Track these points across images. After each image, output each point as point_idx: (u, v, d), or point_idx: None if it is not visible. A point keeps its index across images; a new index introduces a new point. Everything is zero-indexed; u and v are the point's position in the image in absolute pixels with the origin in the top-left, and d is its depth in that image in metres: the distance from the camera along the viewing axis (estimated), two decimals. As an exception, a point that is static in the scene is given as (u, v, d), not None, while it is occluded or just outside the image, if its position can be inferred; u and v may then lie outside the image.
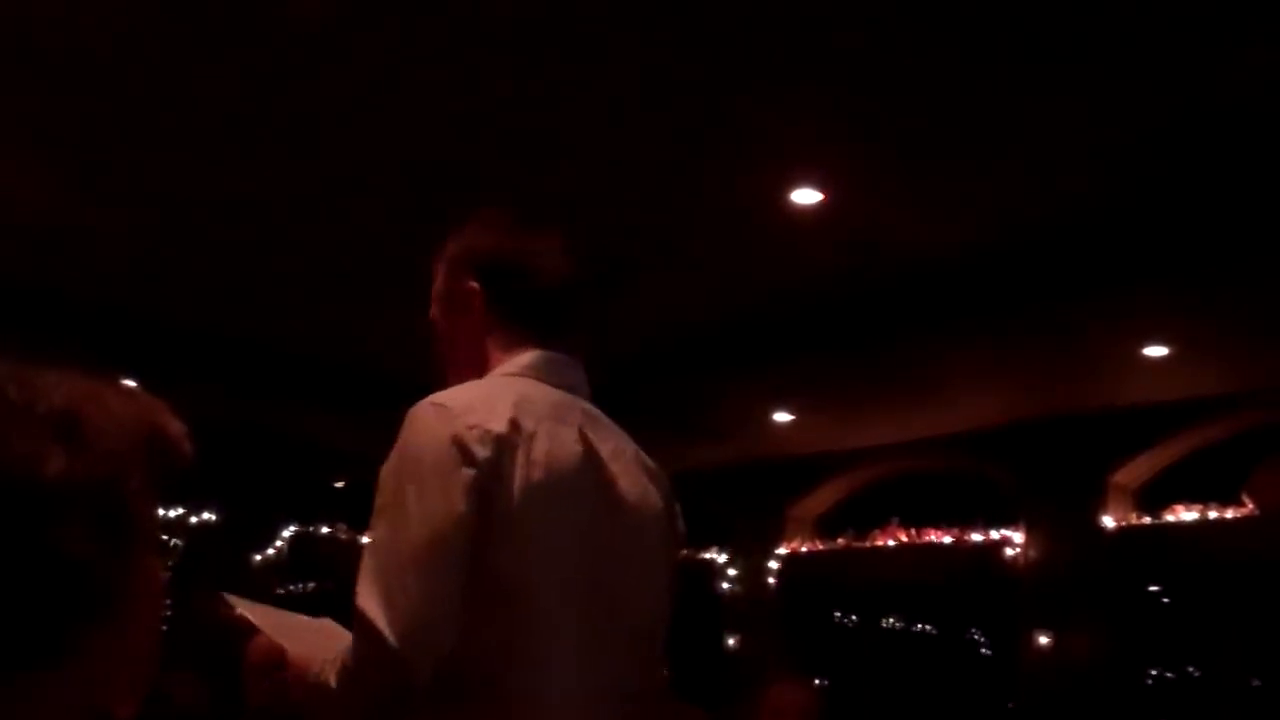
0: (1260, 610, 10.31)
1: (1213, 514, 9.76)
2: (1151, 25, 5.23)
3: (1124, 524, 10.25)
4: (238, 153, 6.91)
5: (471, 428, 2.06)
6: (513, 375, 2.27)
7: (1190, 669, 11.87)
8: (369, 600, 1.99)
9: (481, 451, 2.04)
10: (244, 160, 6.99)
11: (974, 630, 14.97)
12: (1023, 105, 5.95)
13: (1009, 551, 10.84)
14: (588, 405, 2.32)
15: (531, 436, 2.12)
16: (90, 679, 0.95)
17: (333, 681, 2.05)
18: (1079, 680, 9.87)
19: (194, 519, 11.93)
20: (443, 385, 2.26)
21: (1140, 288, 7.61)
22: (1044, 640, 10.20)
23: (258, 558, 12.74)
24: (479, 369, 2.34)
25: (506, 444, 2.07)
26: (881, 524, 11.71)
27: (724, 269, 7.98)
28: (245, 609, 2.53)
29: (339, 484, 14.37)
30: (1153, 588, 11.21)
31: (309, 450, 12.85)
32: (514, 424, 2.10)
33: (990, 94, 5.86)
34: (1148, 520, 10.18)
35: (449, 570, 1.99)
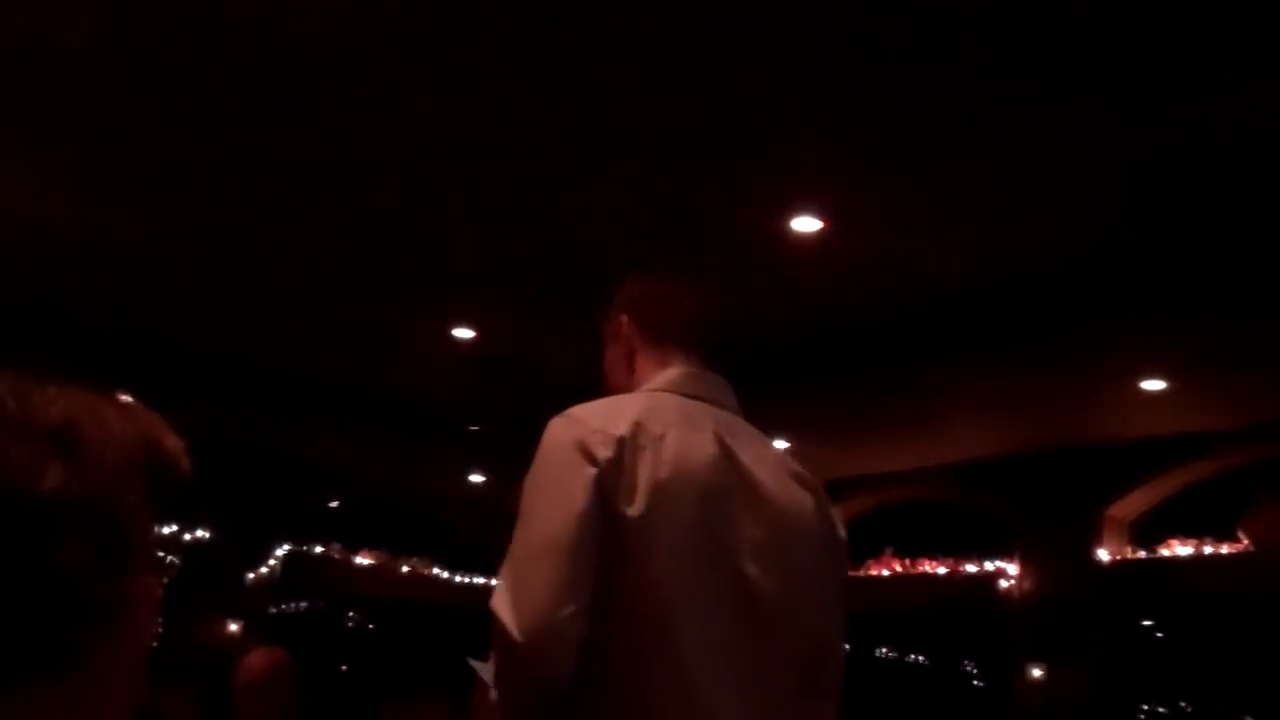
0: (1254, 646, 10.31)
1: (1208, 549, 9.76)
2: (1147, 63, 5.25)
3: (1119, 557, 10.24)
4: (238, 170, 6.92)
5: (595, 432, 2.11)
6: (653, 390, 2.35)
7: (1183, 704, 11.85)
8: (498, 601, 2.04)
9: (603, 452, 2.08)
10: (244, 177, 7.00)
11: (967, 661, 14.97)
12: (1021, 139, 5.96)
13: (1003, 583, 10.84)
14: (728, 415, 2.35)
15: (659, 439, 2.14)
16: (85, 695, 0.95)
17: (493, 693, 2.11)
18: (1072, 713, 9.84)
19: (187, 536, 11.90)
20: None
21: (1137, 322, 7.62)
22: (1037, 672, 10.18)
23: (251, 576, 12.71)
24: (632, 388, 2.44)
25: (629, 445, 2.11)
26: (876, 553, 11.71)
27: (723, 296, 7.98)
28: (483, 671, 2.63)
29: (333, 503, 14.36)
30: (1147, 622, 11.21)
31: (304, 469, 12.85)
32: (638, 426, 2.14)
33: (989, 128, 5.88)
34: (1143, 554, 10.18)
35: (573, 566, 2.01)
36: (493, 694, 2.15)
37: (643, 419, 2.16)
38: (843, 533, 2.40)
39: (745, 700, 2.09)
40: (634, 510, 2.06)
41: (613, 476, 2.07)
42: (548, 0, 5.18)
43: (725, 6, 5.12)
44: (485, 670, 2.66)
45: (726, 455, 2.22)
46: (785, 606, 2.18)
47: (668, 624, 2.05)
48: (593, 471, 2.06)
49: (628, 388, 2.43)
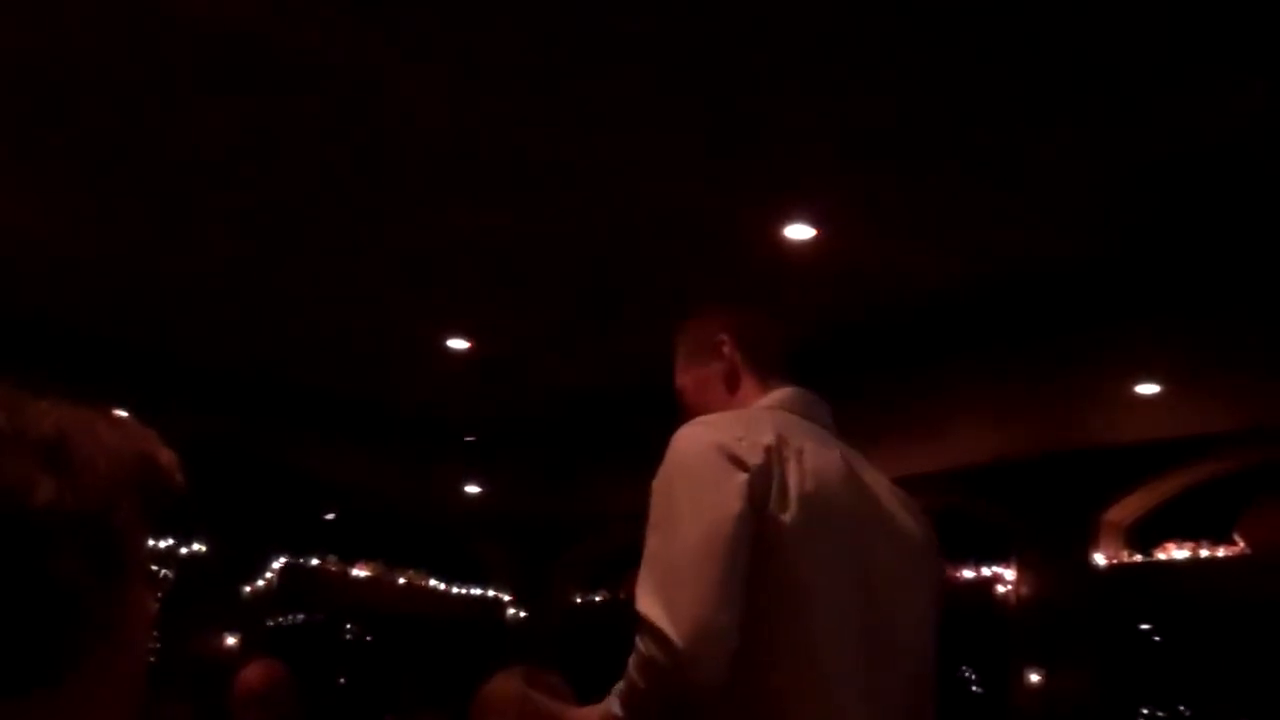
0: (1252, 649, 10.30)
1: (1204, 552, 9.75)
2: (1143, 67, 5.26)
3: (1115, 562, 10.24)
4: (235, 183, 6.92)
5: (739, 439, 2.12)
6: (770, 408, 2.36)
7: (1181, 708, 11.84)
8: (650, 605, 1.99)
9: (753, 458, 2.09)
10: (241, 191, 7.00)
11: (965, 667, 14.93)
12: (1016, 144, 5.97)
13: (1000, 588, 10.83)
14: (835, 438, 2.38)
15: (800, 451, 2.16)
16: (81, 707, 0.95)
17: (618, 708, 2.05)
18: (1070, 718, 9.83)
19: (184, 550, 11.88)
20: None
21: (1132, 325, 7.62)
22: (1035, 678, 10.17)
23: (247, 589, 12.68)
24: (734, 407, 2.44)
25: (776, 454, 2.12)
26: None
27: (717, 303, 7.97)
28: (538, 700, 2.64)
29: (330, 516, 14.33)
30: (1144, 626, 11.20)
31: (299, 481, 12.83)
32: (781, 438, 2.15)
33: (984, 133, 5.89)
34: (1139, 558, 10.17)
35: (729, 569, 1.99)
36: (603, 709, 2.11)
37: (782, 431, 2.17)
38: (944, 562, 2.49)
39: (871, 716, 2.11)
40: (788, 517, 2.06)
41: (764, 482, 2.07)
42: (545, 9, 5.18)
43: (720, 14, 5.12)
44: (541, 700, 2.63)
45: (855, 477, 2.25)
46: (905, 628, 2.22)
47: (809, 636, 2.06)
48: (744, 476, 2.06)
49: (724, 406, 2.44)
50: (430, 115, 6.09)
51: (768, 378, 2.47)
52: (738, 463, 2.07)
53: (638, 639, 1.99)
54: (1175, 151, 5.89)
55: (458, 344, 9.22)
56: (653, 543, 2.08)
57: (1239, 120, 5.62)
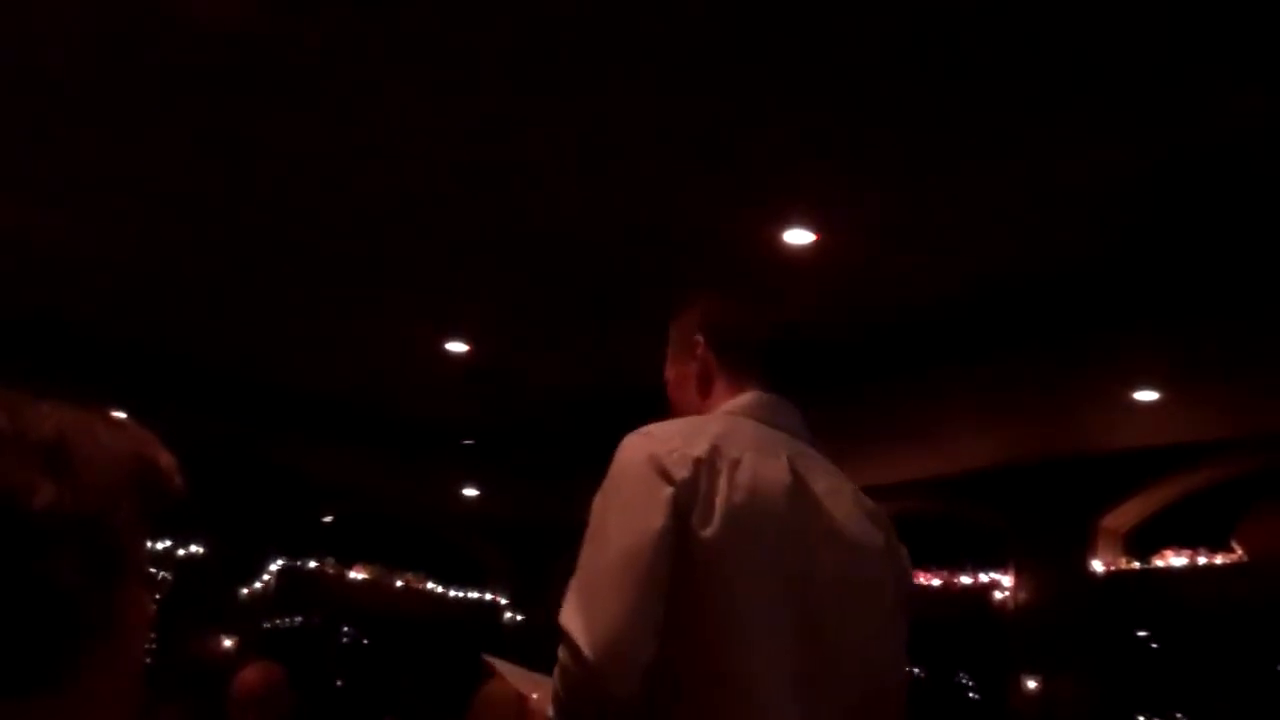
0: (1249, 656, 10.30)
1: (1202, 559, 9.75)
2: (1144, 75, 5.27)
3: (1113, 568, 10.24)
4: (234, 185, 6.92)
5: (671, 451, 2.10)
6: (729, 413, 2.34)
7: (1178, 715, 11.83)
8: (569, 616, 2.01)
9: (680, 472, 2.07)
10: (244, 193, 7.00)
11: (962, 673, 14.93)
12: (1014, 151, 5.97)
13: (998, 595, 10.83)
14: (801, 445, 2.34)
15: (735, 463, 2.14)
16: (80, 708, 0.95)
17: (550, 710, 2.08)
18: (1067, 725, 9.83)
19: (182, 551, 11.89)
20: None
21: (1130, 332, 7.62)
22: (1032, 684, 10.17)
23: (245, 591, 12.69)
24: (705, 410, 2.43)
25: (706, 467, 2.10)
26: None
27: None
28: (499, 665, 2.66)
29: (327, 518, 14.34)
30: (1141, 633, 11.19)
31: (297, 484, 12.84)
32: (715, 449, 2.13)
33: (983, 139, 5.89)
34: (1137, 565, 10.18)
35: (647, 585, 2.00)
36: (548, 711, 2.13)
37: (720, 442, 2.15)
38: (910, 570, 2.42)
39: None
40: (709, 532, 2.05)
41: (689, 497, 2.06)
42: (545, 11, 5.19)
43: (721, 19, 5.13)
44: (514, 673, 2.66)
45: (799, 485, 2.21)
46: (852, 640, 2.17)
47: (735, 650, 2.04)
48: (669, 491, 2.05)
49: (699, 409, 2.43)
50: (427, 118, 6.10)
51: (742, 379, 2.44)
52: (665, 476, 2.07)
53: (559, 649, 2.03)
54: (1173, 158, 5.90)
55: (456, 347, 9.23)
56: (583, 554, 2.10)
57: (1236, 126, 5.62)
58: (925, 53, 5.26)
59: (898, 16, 5.04)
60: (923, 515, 11.75)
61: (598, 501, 2.14)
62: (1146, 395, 8.64)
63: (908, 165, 6.19)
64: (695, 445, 2.12)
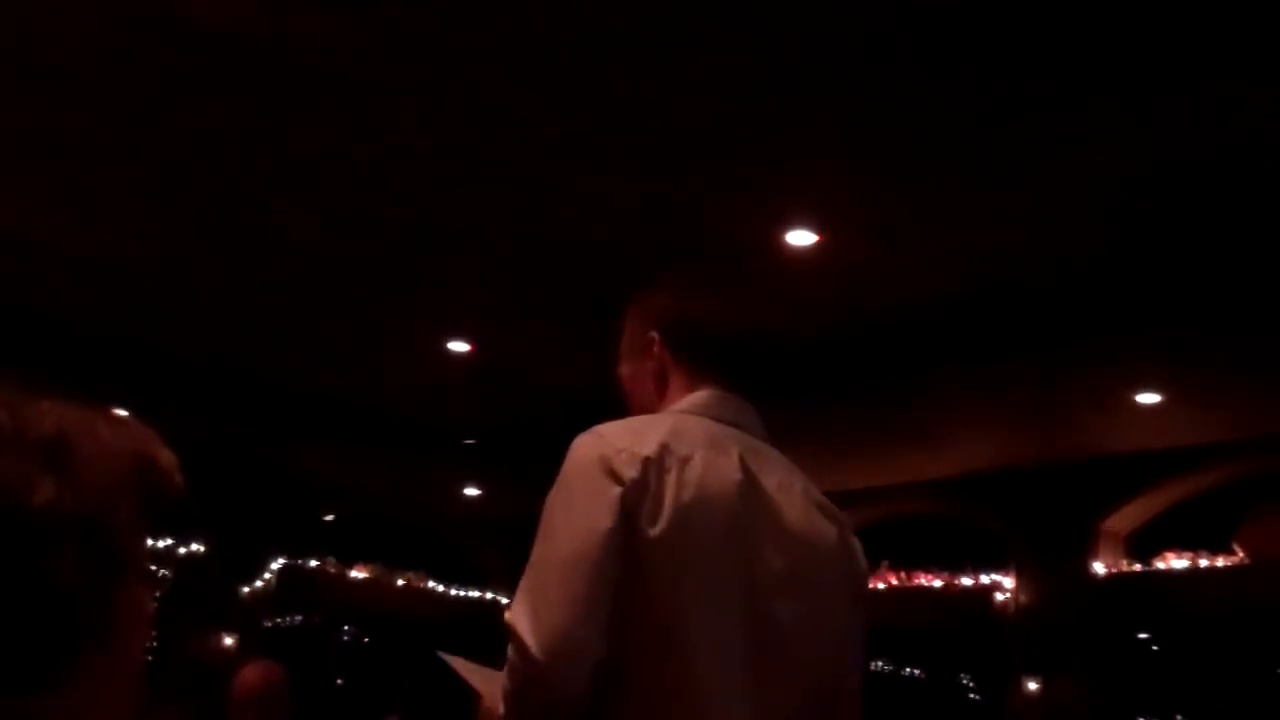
0: (1250, 659, 10.30)
1: (1203, 562, 9.75)
2: (1140, 73, 5.27)
3: (1114, 571, 10.24)
4: (234, 183, 6.92)
5: (620, 451, 2.10)
6: (681, 411, 2.33)
7: (1179, 717, 11.84)
8: (516, 615, 2.03)
9: (628, 472, 2.07)
10: (244, 191, 7.00)
11: (963, 675, 14.96)
12: (1018, 152, 5.97)
13: (999, 596, 10.83)
14: (755, 441, 2.33)
15: (684, 461, 2.13)
16: (80, 706, 0.95)
17: (501, 707, 2.08)
18: (1067, 727, 9.83)
19: (182, 550, 11.89)
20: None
21: (1132, 335, 7.62)
22: (1033, 686, 10.17)
23: (246, 590, 12.70)
24: (661, 408, 2.41)
25: (655, 466, 2.10)
26: (872, 567, 11.69)
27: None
28: (455, 663, 2.61)
29: (328, 517, 14.35)
30: (1142, 635, 11.20)
31: (299, 483, 12.84)
32: (664, 448, 2.13)
33: (986, 140, 5.89)
34: (1138, 567, 10.18)
35: (594, 584, 2.00)
36: (500, 709, 2.14)
37: (669, 440, 2.15)
38: (865, 566, 2.39)
39: None
40: (656, 531, 2.05)
41: (637, 496, 2.06)
42: (545, 11, 5.19)
43: (722, 19, 5.13)
44: (470, 670, 2.66)
45: (750, 481, 2.20)
46: (802, 638, 2.16)
47: (683, 648, 2.04)
48: (618, 490, 2.05)
49: (655, 407, 2.42)
50: (427, 117, 6.10)
51: (698, 378, 2.40)
52: (614, 476, 2.07)
53: (508, 647, 2.04)
54: (1176, 160, 5.89)
55: (458, 347, 9.23)
56: (532, 554, 2.11)
57: (1237, 130, 5.62)
58: (927, 54, 5.26)
59: (900, 18, 5.04)
60: (924, 517, 11.76)
61: (549, 501, 2.14)
62: (1148, 397, 8.64)
63: (910, 166, 6.19)
64: (644, 444, 2.12)
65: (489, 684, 2.55)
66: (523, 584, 2.08)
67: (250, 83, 5.84)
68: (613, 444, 2.12)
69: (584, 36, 5.33)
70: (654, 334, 2.48)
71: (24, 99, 6.16)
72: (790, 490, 2.28)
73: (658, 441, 2.13)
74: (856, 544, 2.38)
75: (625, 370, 2.59)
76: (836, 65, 5.39)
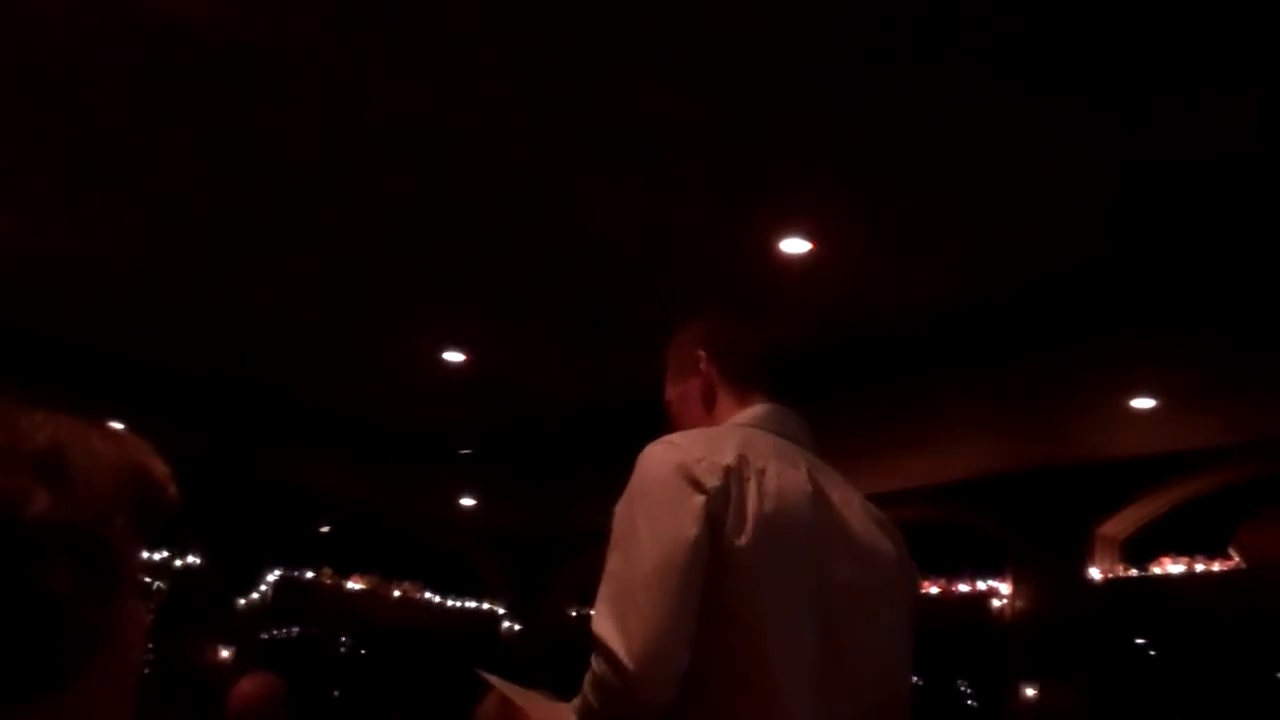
0: (1247, 663, 10.30)
1: (1200, 567, 9.74)
2: (1136, 79, 5.27)
3: (1111, 576, 10.24)
4: (234, 194, 6.92)
5: (699, 460, 2.12)
6: (741, 425, 2.36)
7: (1176, 722, 11.83)
8: (604, 624, 2.01)
9: (711, 480, 2.09)
10: (239, 202, 7.00)
11: (960, 680, 14.93)
12: (1011, 158, 5.98)
13: (996, 602, 10.83)
14: (812, 455, 2.37)
15: (762, 471, 2.16)
16: (76, 718, 0.95)
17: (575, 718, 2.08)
18: (1065, 732, 9.82)
19: (178, 562, 11.87)
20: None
21: (1128, 340, 7.62)
22: (1030, 691, 10.16)
23: (242, 601, 12.67)
24: (710, 424, 2.45)
25: (735, 475, 2.12)
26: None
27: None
28: (495, 681, 2.65)
29: (324, 528, 14.33)
30: (1139, 640, 11.19)
31: (294, 494, 12.82)
32: (742, 459, 2.15)
33: (979, 147, 5.89)
34: (1134, 572, 10.17)
35: (682, 593, 2.01)
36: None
37: (745, 452, 2.17)
38: (919, 581, 2.49)
39: None
40: (744, 540, 2.06)
41: (720, 505, 2.08)
42: (541, 23, 5.19)
43: (717, 28, 5.13)
44: (513, 691, 2.66)
45: (819, 494, 2.25)
46: (867, 649, 2.21)
47: (763, 657, 2.06)
48: (701, 499, 2.07)
49: (703, 423, 2.45)
50: (425, 124, 6.09)
51: (746, 393, 2.47)
52: (696, 485, 2.08)
53: (592, 658, 2.03)
54: (1170, 165, 5.90)
55: (454, 357, 9.22)
56: (611, 563, 2.10)
57: (1232, 135, 5.62)
58: (920, 60, 5.26)
59: (891, 24, 5.04)
60: (921, 523, 11.72)
61: (623, 510, 2.14)
62: (1144, 403, 8.64)
63: (903, 174, 6.19)
64: (723, 454, 2.14)
65: (531, 704, 2.56)
66: (604, 594, 2.07)
67: (248, 84, 5.83)
68: (691, 453, 2.14)
69: (578, 49, 5.34)
70: (701, 351, 2.55)
71: (17, 102, 6.15)
72: (852, 504, 2.34)
73: (735, 452, 2.16)
74: (911, 560, 2.43)
75: (672, 393, 2.63)
76: (828, 74, 5.40)
